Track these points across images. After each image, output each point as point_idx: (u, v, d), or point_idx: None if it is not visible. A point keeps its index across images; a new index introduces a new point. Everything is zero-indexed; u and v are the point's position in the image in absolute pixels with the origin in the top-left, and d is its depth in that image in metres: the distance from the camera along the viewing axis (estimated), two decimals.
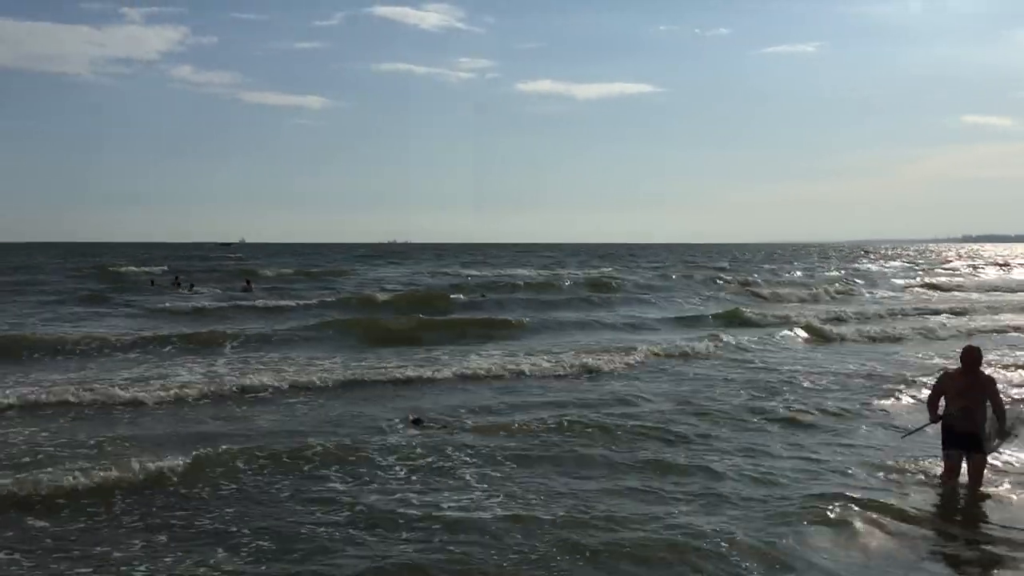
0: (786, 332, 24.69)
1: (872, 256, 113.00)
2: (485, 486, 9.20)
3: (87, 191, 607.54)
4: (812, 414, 13.34)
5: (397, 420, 12.58)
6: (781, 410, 13.51)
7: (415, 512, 8.29)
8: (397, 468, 9.85)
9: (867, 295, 42.91)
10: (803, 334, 24.56)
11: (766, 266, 73.70)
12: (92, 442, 10.79)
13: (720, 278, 49.57)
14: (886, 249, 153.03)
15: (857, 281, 51.40)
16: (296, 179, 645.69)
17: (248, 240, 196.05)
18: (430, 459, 10.21)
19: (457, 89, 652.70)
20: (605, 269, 63.68)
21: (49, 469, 9.26)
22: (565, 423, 12.07)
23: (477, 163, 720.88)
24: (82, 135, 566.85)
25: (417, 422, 12.37)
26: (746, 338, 22.94)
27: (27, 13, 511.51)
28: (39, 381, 14.84)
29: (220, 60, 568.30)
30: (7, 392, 13.63)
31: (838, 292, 42.82)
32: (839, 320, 29.11)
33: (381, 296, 33.83)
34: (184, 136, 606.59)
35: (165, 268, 57.12)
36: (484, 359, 18.31)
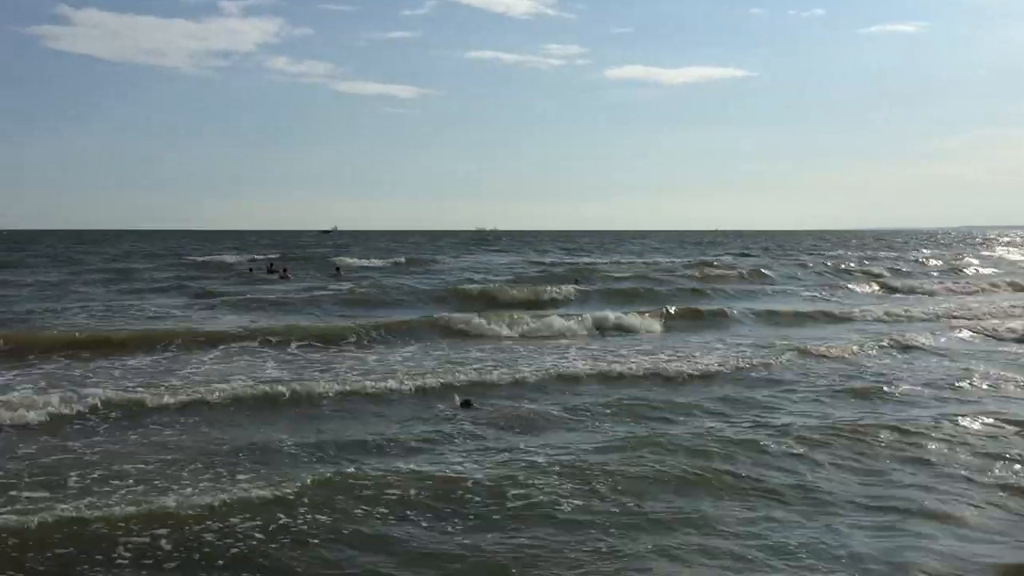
0: None
1: (997, 242, 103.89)
2: None
3: (187, 181, 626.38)
4: None
5: None
6: None
7: None
8: None
9: None
10: None
11: (883, 253, 67.86)
12: None
13: (856, 270, 45.01)
14: (998, 235, 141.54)
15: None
16: (387, 167, 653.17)
17: (341, 228, 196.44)
18: None
19: (546, 76, 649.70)
20: (755, 258, 60.74)
21: None
22: None
23: (563, 150, 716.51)
24: (181, 126, 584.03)
25: (466, 404, 11.92)
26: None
27: (131, 7, 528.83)
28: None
29: (314, 50, 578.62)
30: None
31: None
32: None
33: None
34: (280, 126, 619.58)
35: (272, 257, 55.72)
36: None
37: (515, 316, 20.85)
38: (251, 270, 44.08)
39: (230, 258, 54.78)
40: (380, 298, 26.95)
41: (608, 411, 11.50)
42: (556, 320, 20.82)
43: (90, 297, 27.77)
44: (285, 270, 42.49)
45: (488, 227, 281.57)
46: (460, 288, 29.23)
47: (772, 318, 23.54)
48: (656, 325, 21.39)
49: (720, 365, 15.20)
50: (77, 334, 17.13)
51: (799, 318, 23.61)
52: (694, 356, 16.10)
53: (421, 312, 22.87)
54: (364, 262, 53.13)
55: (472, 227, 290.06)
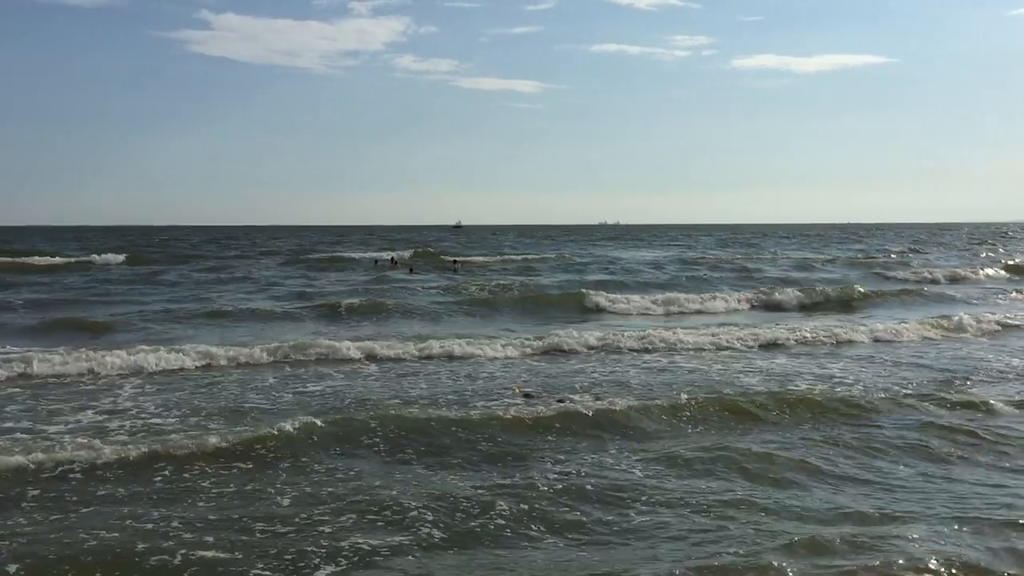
0: None
1: None
2: None
3: (319, 177, 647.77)
4: None
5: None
6: None
7: None
8: None
9: None
10: None
11: None
12: None
13: None
14: None
15: None
16: (509, 161, 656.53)
17: (464, 223, 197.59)
18: None
19: (672, 68, 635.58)
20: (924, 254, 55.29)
21: None
22: None
23: (690, 142, 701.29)
24: (310, 124, 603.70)
25: (528, 396, 11.92)
26: None
27: (268, 11, 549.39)
28: None
29: (439, 48, 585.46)
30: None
31: None
32: None
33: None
34: (404, 122, 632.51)
35: (406, 252, 55.38)
36: None
37: None
38: (376, 263, 45.11)
39: (356, 254, 54.36)
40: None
41: None
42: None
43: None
44: (393, 259, 45.51)
45: (611, 221, 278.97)
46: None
47: None
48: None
49: None
50: None
51: None
52: None
53: None
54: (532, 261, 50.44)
55: (596, 221, 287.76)
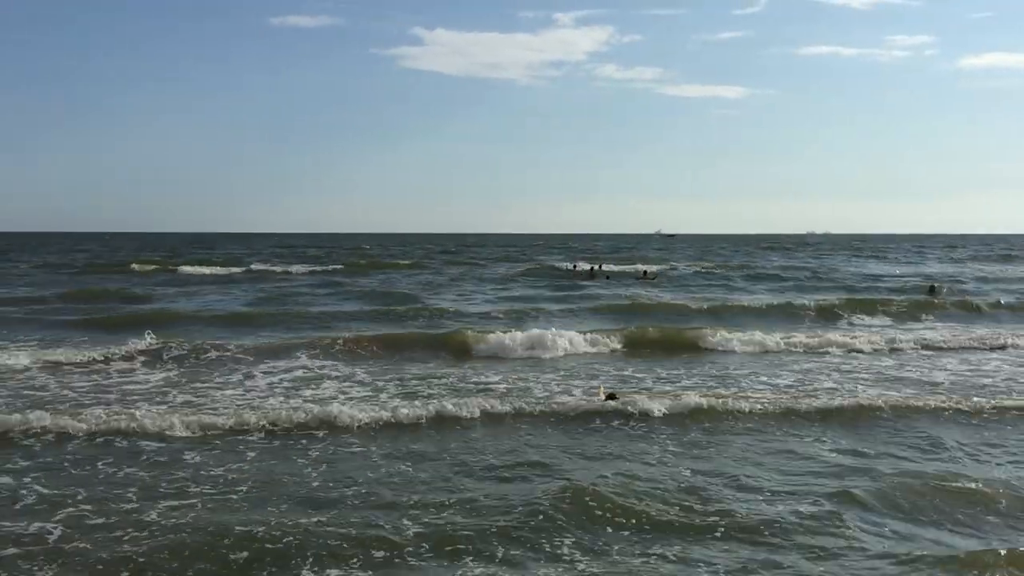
0: None
1: None
2: None
3: (523, 187, 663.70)
4: None
5: None
6: None
7: None
8: None
9: None
10: None
11: None
12: None
13: None
14: None
15: None
16: (712, 168, 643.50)
17: (664, 231, 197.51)
18: None
19: (888, 70, 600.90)
20: None
21: None
22: None
23: (907, 148, 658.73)
24: (515, 135, 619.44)
25: (611, 397, 12.21)
26: None
27: (476, 26, 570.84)
28: None
29: (643, 56, 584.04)
30: None
31: None
32: None
33: None
34: (607, 130, 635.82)
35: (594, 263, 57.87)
36: None
37: None
38: (574, 267, 48.12)
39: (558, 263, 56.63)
40: None
41: None
42: None
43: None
44: (592, 269, 46.25)
45: (819, 231, 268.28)
46: None
47: None
48: None
49: None
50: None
51: None
52: None
53: None
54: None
55: (802, 230, 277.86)
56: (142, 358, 15.87)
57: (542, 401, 12.16)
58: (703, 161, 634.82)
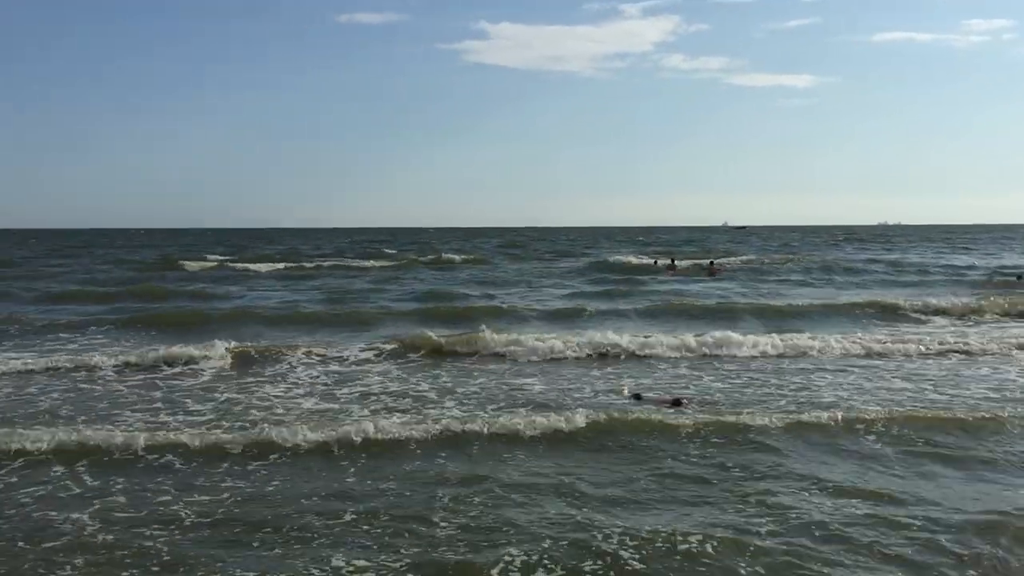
0: None
1: None
2: None
3: (580, 183, 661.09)
4: None
5: None
6: None
7: None
8: None
9: None
10: None
11: None
12: None
13: None
14: None
15: None
16: (780, 160, 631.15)
17: (731, 224, 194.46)
18: None
19: (965, 55, 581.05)
20: None
21: None
22: None
23: (985, 137, 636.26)
24: (576, 130, 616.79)
25: (637, 397, 12.38)
26: None
27: (541, 18, 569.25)
28: None
29: (710, 46, 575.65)
30: None
31: None
32: None
33: None
34: (673, 124, 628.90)
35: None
36: None
37: None
38: (656, 263, 47.49)
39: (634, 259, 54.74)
40: None
41: None
42: None
43: None
44: (672, 262, 46.02)
45: (891, 222, 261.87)
46: None
47: None
48: None
49: None
50: None
51: None
52: None
53: None
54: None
55: (875, 222, 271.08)
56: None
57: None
58: (770, 152, 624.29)
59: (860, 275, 38.93)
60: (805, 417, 10.67)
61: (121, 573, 6.31)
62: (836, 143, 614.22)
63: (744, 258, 53.72)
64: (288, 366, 15.12)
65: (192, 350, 15.73)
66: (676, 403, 11.75)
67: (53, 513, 7.47)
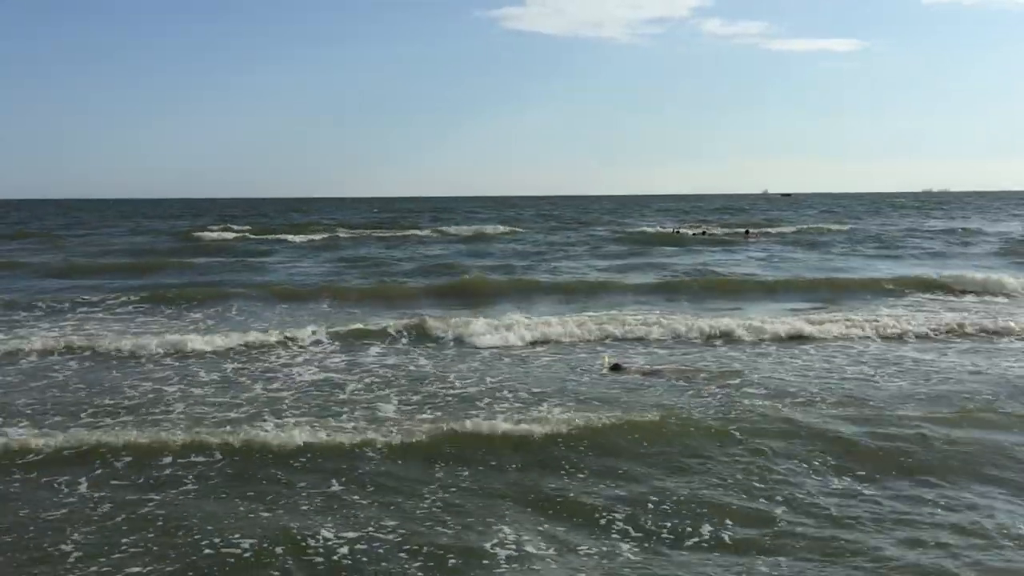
0: None
1: None
2: None
3: (619, 149, 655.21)
4: None
5: None
6: None
7: None
8: None
9: None
10: None
11: None
12: None
13: None
14: None
15: None
16: (819, 125, 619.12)
17: (771, 192, 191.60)
18: None
19: (1014, 18, 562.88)
20: None
21: None
22: None
23: None
24: (616, 98, 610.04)
25: (616, 368, 12.19)
26: None
27: None
28: None
29: (749, 10, 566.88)
30: None
31: None
32: None
33: None
34: (711, 89, 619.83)
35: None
36: None
37: None
38: (677, 232, 47.41)
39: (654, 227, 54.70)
40: None
41: None
42: None
43: None
44: (704, 230, 46.64)
45: (936, 188, 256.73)
46: None
47: None
48: None
49: None
50: None
51: None
52: None
53: None
54: None
55: (919, 188, 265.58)
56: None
57: None
58: (811, 119, 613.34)
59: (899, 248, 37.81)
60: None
61: None
62: (879, 108, 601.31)
63: (794, 228, 51.98)
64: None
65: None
66: (615, 368, 12.13)
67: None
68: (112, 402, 10.78)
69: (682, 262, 30.47)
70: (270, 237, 45.70)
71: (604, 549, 6.41)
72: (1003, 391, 11.03)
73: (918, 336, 15.28)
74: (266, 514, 7.01)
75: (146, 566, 6.11)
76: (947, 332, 15.58)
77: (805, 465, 8.11)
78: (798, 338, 15.10)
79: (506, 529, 6.71)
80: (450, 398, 10.86)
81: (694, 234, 45.92)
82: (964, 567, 6.00)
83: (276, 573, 6.04)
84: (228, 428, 9.26)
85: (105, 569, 6.10)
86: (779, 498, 7.30)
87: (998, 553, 6.24)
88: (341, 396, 10.98)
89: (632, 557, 6.28)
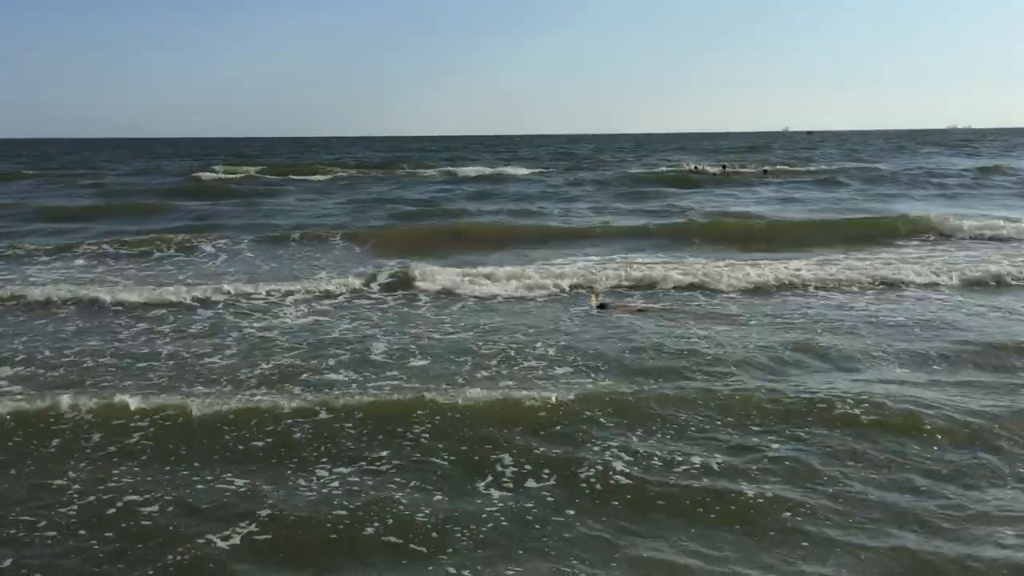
0: None
1: None
2: None
3: (632, 87, 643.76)
4: None
5: None
6: None
7: None
8: None
9: None
10: None
11: None
12: None
13: None
14: None
15: None
16: (845, 63, 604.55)
17: (791, 129, 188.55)
18: None
19: None
20: None
21: None
22: None
23: None
24: (629, 29, 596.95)
25: (603, 307, 12.56)
26: None
27: None
28: None
29: None
30: None
31: None
32: None
33: None
34: (731, 22, 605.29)
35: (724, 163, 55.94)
36: None
37: None
38: (696, 169, 48.09)
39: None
40: None
41: None
42: None
43: None
44: (724, 167, 48.24)
45: (961, 125, 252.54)
46: None
47: None
48: None
49: None
50: None
51: None
52: None
53: None
54: None
55: (944, 125, 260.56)
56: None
57: None
58: (834, 54, 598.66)
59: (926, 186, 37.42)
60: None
61: None
62: (903, 42, 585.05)
63: (813, 167, 51.38)
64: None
65: None
66: (602, 307, 12.60)
67: None
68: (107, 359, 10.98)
69: (694, 203, 30.21)
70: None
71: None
72: None
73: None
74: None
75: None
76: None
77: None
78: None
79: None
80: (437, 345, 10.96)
81: (715, 173, 45.71)
82: None
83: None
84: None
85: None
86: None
87: None
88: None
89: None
